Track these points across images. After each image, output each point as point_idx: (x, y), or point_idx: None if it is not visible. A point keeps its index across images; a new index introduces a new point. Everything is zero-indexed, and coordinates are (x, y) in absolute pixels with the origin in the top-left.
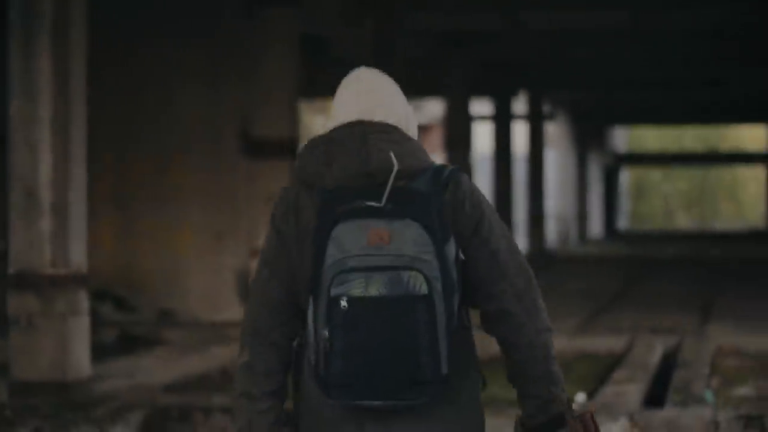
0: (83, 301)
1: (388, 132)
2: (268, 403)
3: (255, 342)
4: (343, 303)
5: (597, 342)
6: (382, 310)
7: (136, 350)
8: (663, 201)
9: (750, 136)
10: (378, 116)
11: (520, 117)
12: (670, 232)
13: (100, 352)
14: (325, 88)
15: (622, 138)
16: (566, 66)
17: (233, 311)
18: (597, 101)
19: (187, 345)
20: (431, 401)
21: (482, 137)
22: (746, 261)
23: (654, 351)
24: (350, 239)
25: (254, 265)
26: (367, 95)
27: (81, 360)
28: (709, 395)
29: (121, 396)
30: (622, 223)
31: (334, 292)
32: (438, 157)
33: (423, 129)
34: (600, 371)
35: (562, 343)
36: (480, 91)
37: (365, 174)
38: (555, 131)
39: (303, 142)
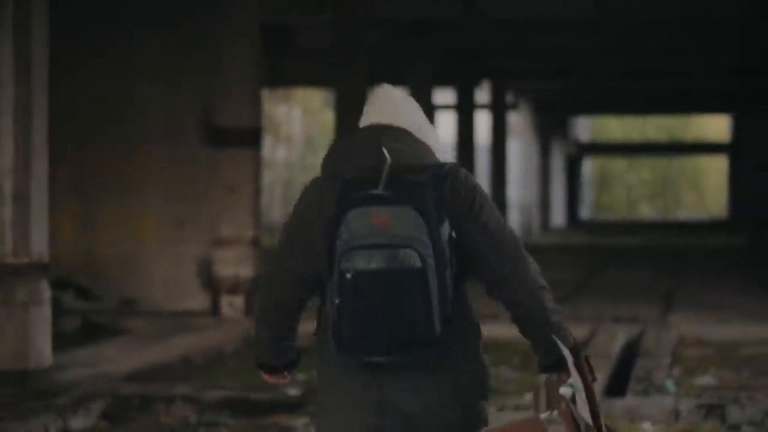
0: (44, 290)
1: (399, 135)
2: (280, 341)
3: (268, 303)
4: (349, 275)
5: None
6: (382, 281)
7: (97, 339)
8: (626, 191)
9: (712, 126)
10: (393, 122)
11: (482, 107)
12: (633, 222)
13: (61, 341)
14: (288, 77)
15: (585, 128)
16: (529, 55)
17: (195, 300)
18: (560, 91)
19: (148, 334)
20: (428, 357)
21: (445, 127)
22: (708, 251)
23: (616, 340)
24: (357, 223)
25: (216, 254)
26: (386, 105)
27: (42, 349)
28: (670, 384)
29: (82, 385)
30: (585, 212)
31: (342, 266)
32: None
33: None
34: None
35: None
36: (443, 81)
37: (376, 168)
38: (518, 121)
39: (265, 132)
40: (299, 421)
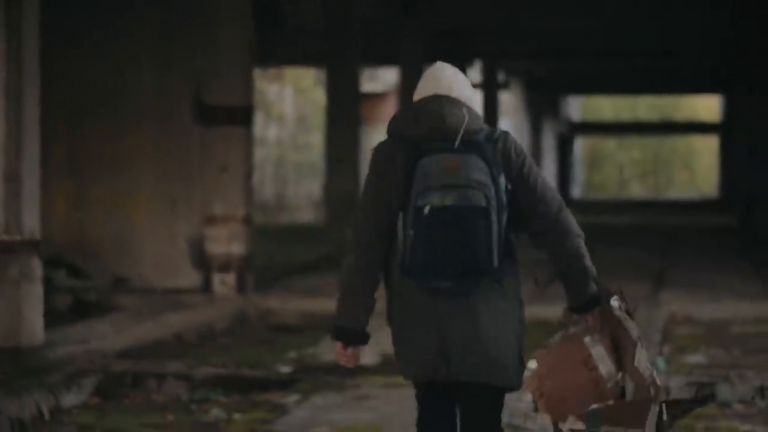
0: (37, 267)
1: (457, 103)
2: (365, 297)
3: (360, 248)
4: (426, 210)
5: (550, 310)
6: (453, 216)
7: (89, 317)
8: (617, 170)
9: (704, 105)
10: (451, 93)
11: (474, 86)
12: (625, 201)
13: (53, 318)
14: (279, 56)
15: (577, 107)
16: (520, 35)
17: (187, 278)
18: (551, 70)
19: (140, 312)
20: (484, 286)
21: None
22: (699, 230)
23: None
24: (432, 167)
25: (208, 232)
26: (442, 79)
27: (34, 326)
28: (661, 362)
29: (74, 362)
30: (577, 191)
31: (419, 203)
32: None
33: (378, 97)
34: None
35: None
36: (435, 60)
37: (441, 129)
38: (509, 100)
39: (256, 111)
40: (291, 398)
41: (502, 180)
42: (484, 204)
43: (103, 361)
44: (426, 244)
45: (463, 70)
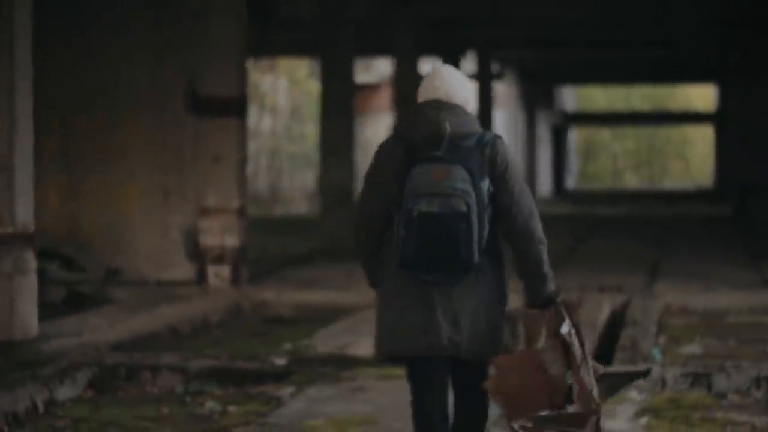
0: (30, 260)
1: (454, 109)
2: (371, 267)
3: (361, 233)
4: (414, 214)
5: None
6: (437, 220)
7: (83, 309)
8: (611, 160)
9: (698, 95)
10: (449, 98)
11: (468, 76)
12: (619, 192)
13: (47, 311)
14: (273, 47)
15: (571, 97)
16: (514, 25)
17: (181, 270)
18: (545, 61)
19: (134, 304)
20: (467, 278)
21: None
22: (694, 220)
23: (601, 309)
24: (422, 176)
25: (202, 223)
26: (442, 84)
27: (28, 319)
28: (656, 353)
29: (68, 355)
30: (571, 182)
31: (409, 207)
32: (387, 116)
33: (372, 88)
34: None
35: (511, 301)
36: (429, 51)
37: (437, 134)
38: (503, 91)
39: (250, 102)
40: (286, 391)
41: (485, 184)
42: (465, 210)
43: (97, 354)
44: (415, 243)
45: (457, 61)
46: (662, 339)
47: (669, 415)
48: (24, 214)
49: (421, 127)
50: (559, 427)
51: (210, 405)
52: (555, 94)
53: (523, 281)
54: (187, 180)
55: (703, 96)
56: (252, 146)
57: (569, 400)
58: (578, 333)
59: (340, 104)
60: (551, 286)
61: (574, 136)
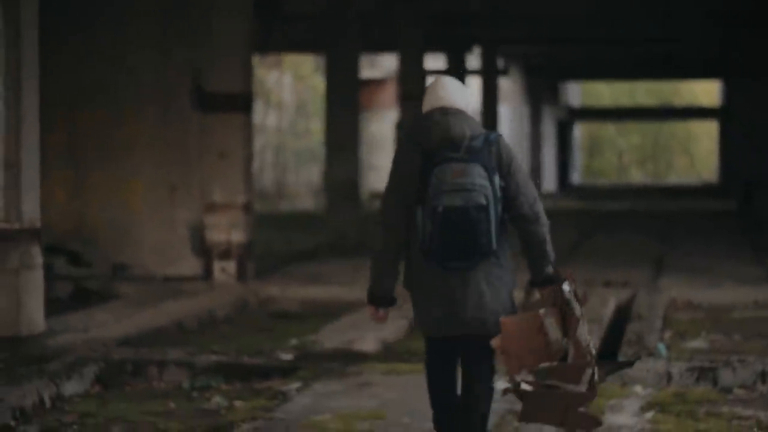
0: (37, 255)
1: (458, 114)
2: (392, 269)
3: (384, 229)
4: (439, 209)
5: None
6: (460, 213)
7: (89, 305)
8: (616, 155)
9: (703, 90)
10: (452, 104)
11: (473, 72)
12: (624, 187)
13: (54, 306)
14: (278, 43)
15: (576, 93)
16: (519, 21)
17: (187, 266)
18: (550, 56)
19: (141, 299)
20: (484, 263)
21: None
22: (699, 215)
23: (607, 304)
24: (444, 174)
25: (208, 219)
26: (445, 92)
27: (35, 314)
28: (661, 348)
29: (75, 350)
30: (576, 177)
31: (434, 203)
32: (393, 111)
33: (378, 83)
34: None
35: (516, 296)
36: (434, 47)
37: (448, 139)
38: (508, 86)
39: (256, 98)
40: (292, 386)
41: (497, 178)
42: (484, 203)
43: (104, 349)
44: (440, 235)
45: (462, 57)
46: (668, 334)
47: (675, 410)
48: (30, 209)
49: (434, 133)
50: (556, 380)
51: (216, 400)
52: (560, 90)
53: (528, 260)
54: (193, 176)
55: (707, 91)
56: (258, 142)
57: (565, 360)
58: (577, 295)
59: (345, 100)
60: (552, 266)
61: (579, 132)
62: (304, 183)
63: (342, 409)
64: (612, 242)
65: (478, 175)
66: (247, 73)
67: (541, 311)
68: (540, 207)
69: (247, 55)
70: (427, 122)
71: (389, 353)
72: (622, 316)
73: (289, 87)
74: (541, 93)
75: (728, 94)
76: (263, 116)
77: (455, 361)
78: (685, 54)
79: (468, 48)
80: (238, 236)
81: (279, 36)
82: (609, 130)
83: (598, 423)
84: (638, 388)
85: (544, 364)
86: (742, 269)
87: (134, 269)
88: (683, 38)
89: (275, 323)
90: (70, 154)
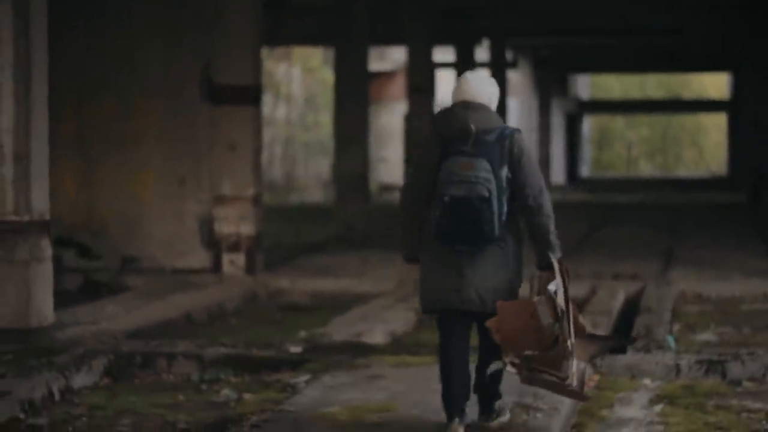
0: (46, 247)
1: (479, 108)
2: (413, 245)
3: (406, 213)
4: (446, 198)
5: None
6: (465, 202)
7: (99, 297)
8: (625, 148)
9: (712, 83)
10: (475, 99)
11: (482, 65)
12: (633, 179)
13: (63, 299)
14: (287, 35)
15: (585, 85)
16: (528, 14)
17: (196, 258)
18: (559, 49)
19: (150, 292)
20: (490, 247)
21: (446, 85)
22: (708, 207)
23: (616, 297)
24: (453, 166)
25: (217, 212)
26: (469, 87)
27: (44, 307)
28: (671, 340)
29: (84, 342)
30: (585, 170)
31: (443, 192)
32: (402, 104)
33: (387, 76)
34: None
35: (524, 289)
36: (443, 39)
37: (464, 131)
38: (517, 79)
39: (265, 90)
40: (301, 378)
41: (504, 171)
42: (486, 194)
43: (113, 342)
44: (447, 222)
45: (471, 49)
46: (677, 326)
47: (684, 403)
48: (40, 201)
49: (453, 125)
50: (538, 366)
51: (226, 392)
52: (569, 82)
53: (533, 247)
54: (203, 168)
55: (716, 84)
56: (267, 134)
57: (555, 346)
58: (565, 292)
59: (354, 92)
60: (555, 253)
61: (588, 124)
62: (313, 175)
63: (351, 401)
64: (621, 235)
65: (482, 169)
66: (257, 65)
67: (536, 299)
68: (544, 199)
69: (257, 47)
70: (448, 115)
71: (398, 345)
72: (631, 308)
73: (298, 79)
74: (549, 85)
75: (737, 86)
76: (272, 109)
77: (465, 341)
78: (693, 47)
79: (477, 41)
80: (247, 229)
81: (288, 28)
82: (618, 122)
83: (586, 398)
84: (647, 381)
85: (528, 352)
86: (752, 262)
87: (143, 262)
88: (690, 30)
89: (284, 315)
90: (79, 146)
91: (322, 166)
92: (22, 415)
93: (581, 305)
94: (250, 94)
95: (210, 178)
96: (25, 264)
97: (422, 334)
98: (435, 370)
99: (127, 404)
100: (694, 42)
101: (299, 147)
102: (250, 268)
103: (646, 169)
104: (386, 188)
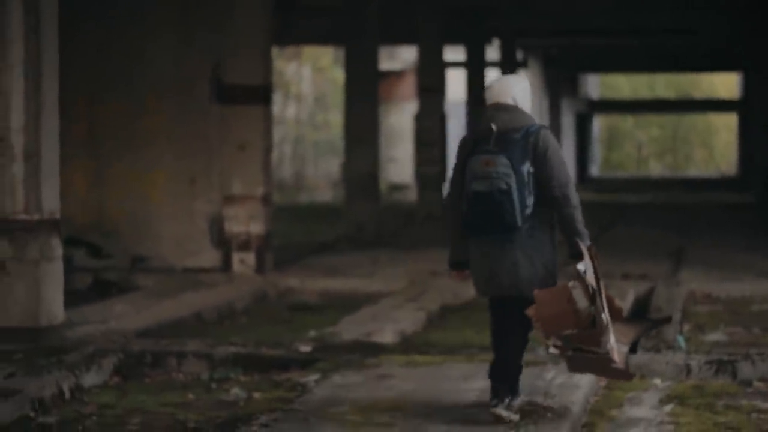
0: (56, 246)
1: (507, 109)
2: (458, 251)
3: (448, 212)
4: (471, 193)
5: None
6: (486, 196)
7: (109, 296)
8: (635, 148)
9: (722, 83)
10: (506, 100)
11: (492, 64)
12: (643, 179)
13: (73, 298)
14: (297, 35)
15: (595, 85)
16: (538, 13)
17: (206, 257)
18: (569, 48)
19: (160, 291)
20: (518, 237)
21: (456, 84)
22: (718, 207)
23: (626, 297)
24: (475, 165)
25: (227, 211)
26: (501, 89)
27: (54, 306)
28: (681, 341)
29: (94, 341)
30: (595, 169)
31: (468, 187)
32: (412, 103)
33: (397, 75)
34: None
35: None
36: (454, 39)
37: (488, 131)
38: (527, 78)
39: (275, 89)
40: (311, 377)
41: (525, 167)
42: (506, 188)
43: (123, 341)
44: (473, 214)
45: (482, 48)
46: (687, 326)
47: (694, 403)
48: (50, 200)
49: (483, 125)
50: (579, 344)
51: (235, 391)
52: (579, 82)
53: (564, 237)
54: (213, 167)
55: (727, 84)
56: (277, 134)
57: (593, 326)
58: (596, 272)
59: (364, 92)
60: (584, 240)
61: (598, 124)
62: (322, 175)
63: (360, 400)
64: (631, 235)
65: (502, 165)
66: (267, 65)
67: (570, 283)
68: (570, 190)
69: (267, 47)
70: (482, 115)
71: (408, 345)
72: (641, 308)
73: (309, 79)
74: (559, 85)
75: (747, 86)
76: (282, 108)
77: (508, 325)
78: (703, 47)
79: (487, 40)
80: (257, 228)
81: (298, 28)
82: (628, 122)
83: (631, 376)
84: (657, 381)
85: (568, 332)
86: (762, 262)
87: (153, 261)
88: (699, 30)
89: (294, 315)
90: (89, 145)
91: (332, 165)
92: (32, 414)
93: None
94: (261, 94)
95: (220, 178)
96: (35, 263)
97: (432, 333)
98: (444, 370)
99: (136, 403)
100: (704, 42)
101: (309, 146)
102: (259, 268)
103: (655, 169)
104: (396, 188)
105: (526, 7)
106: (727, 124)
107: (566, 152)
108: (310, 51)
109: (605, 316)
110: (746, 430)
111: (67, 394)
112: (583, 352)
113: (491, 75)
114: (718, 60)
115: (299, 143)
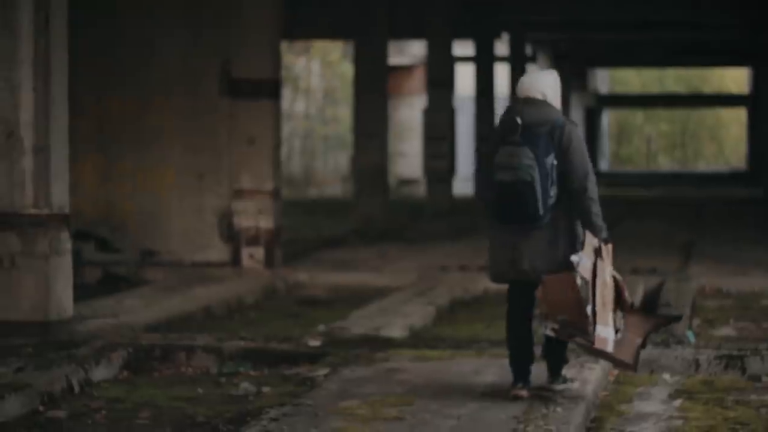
0: (66, 241)
1: (535, 103)
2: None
3: (479, 199)
4: (497, 183)
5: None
6: (511, 186)
7: (118, 290)
8: (645, 143)
9: (732, 77)
10: (534, 95)
11: (501, 59)
12: (652, 174)
13: (82, 292)
14: (306, 29)
15: (604, 79)
16: (546, 7)
17: (215, 252)
18: (578, 43)
19: (169, 285)
20: (541, 225)
21: (465, 78)
22: (727, 202)
23: (635, 292)
24: (501, 156)
25: (236, 205)
26: (530, 84)
27: (63, 300)
28: (690, 335)
29: (104, 336)
30: (604, 164)
31: (494, 177)
32: (421, 98)
33: (406, 70)
34: None
35: None
36: (462, 33)
37: (515, 124)
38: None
39: (284, 84)
40: (320, 372)
41: (549, 159)
42: (529, 179)
43: (133, 335)
44: (499, 202)
45: (491, 42)
46: (696, 321)
47: (703, 398)
48: (59, 195)
49: (510, 118)
50: (572, 330)
51: (245, 386)
52: (588, 77)
53: (581, 224)
54: (222, 162)
55: (737, 79)
56: (286, 128)
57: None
58: (595, 267)
59: (373, 86)
60: (597, 233)
61: (608, 119)
62: (332, 169)
63: (370, 395)
64: (640, 229)
65: (525, 157)
66: (276, 59)
67: (575, 273)
68: (589, 183)
69: (276, 41)
70: (509, 109)
71: (417, 339)
72: (651, 303)
73: (318, 73)
74: (569, 80)
75: (757, 81)
76: (291, 103)
77: (527, 309)
78: (712, 41)
79: (496, 34)
80: (266, 222)
81: (308, 22)
82: (637, 117)
83: (634, 367)
84: (666, 376)
85: (563, 316)
86: None
87: (163, 255)
88: (709, 25)
89: (303, 309)
90: (99, 139)
91: (341, 160)
92: (41, 408)
93: None
94: (269, 88)
95: (229, 172)
96: (44, 257)
97: (441, 328)
98: (454, 364)
99: (146, 397)
100: (714, 37)
101: (318, 141)
102: (269, 262)
103: (665, 163)
104: (405, 182)
105: (536, 1)
106: (736, 119)
107: None
108: (319, 45)
109: (592, 308)
110: (755, 425)
111: (77, 389)
112: (574, 338)
113: (500, 70)
114: (728, 55)
115: (308, 138)
